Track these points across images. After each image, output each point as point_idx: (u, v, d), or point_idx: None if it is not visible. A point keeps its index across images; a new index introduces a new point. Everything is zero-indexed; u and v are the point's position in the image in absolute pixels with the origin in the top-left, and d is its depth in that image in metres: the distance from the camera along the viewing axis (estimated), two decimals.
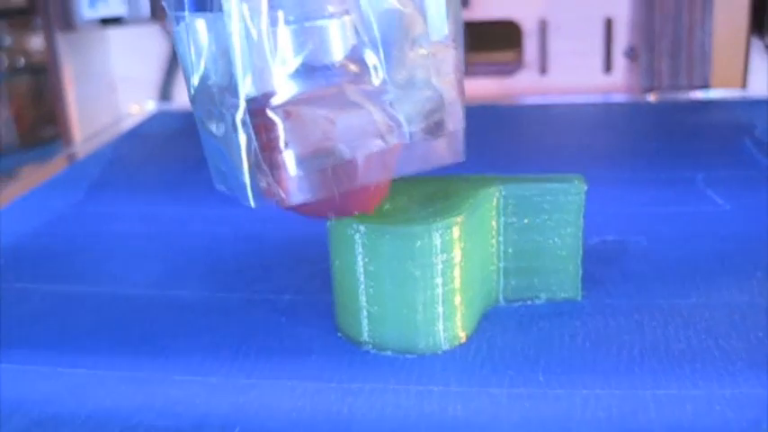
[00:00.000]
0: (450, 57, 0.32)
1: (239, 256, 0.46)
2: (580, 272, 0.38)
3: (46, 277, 0.44)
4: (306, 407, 0.32)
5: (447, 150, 0.33)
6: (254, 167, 0.29)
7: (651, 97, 0.75)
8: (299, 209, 0.31)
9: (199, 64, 0.30)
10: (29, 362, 0.36)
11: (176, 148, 0.69)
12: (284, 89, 0.29)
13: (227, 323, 0.38)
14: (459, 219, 0.34)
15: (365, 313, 0.35)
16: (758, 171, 0.55)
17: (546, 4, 0.78)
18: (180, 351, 0.36)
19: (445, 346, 0.35)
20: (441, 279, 0.34)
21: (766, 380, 0.32)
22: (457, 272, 0.34)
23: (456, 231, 0.34)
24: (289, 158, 0.29)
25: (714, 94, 0.75)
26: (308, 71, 0.29)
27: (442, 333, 0.35)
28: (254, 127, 0.29)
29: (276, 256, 0.46)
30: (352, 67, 0.29)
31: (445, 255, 0.34)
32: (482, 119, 0.73)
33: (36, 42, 1.05)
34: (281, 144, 0.29)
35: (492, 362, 0.34)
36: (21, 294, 0.42)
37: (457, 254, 0.34)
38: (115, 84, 0.85)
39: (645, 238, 0.45)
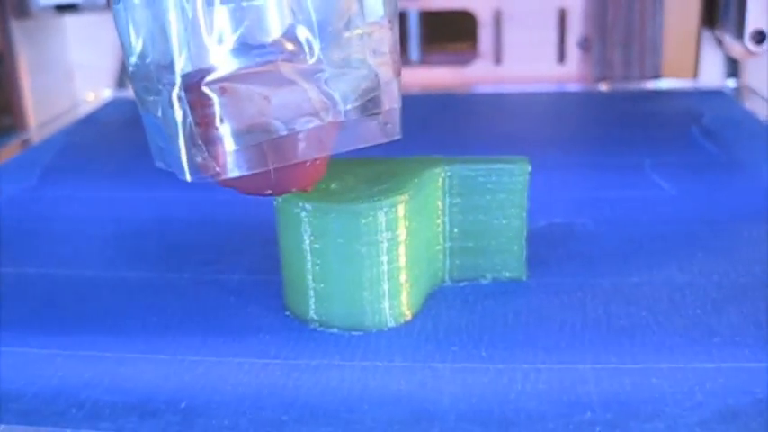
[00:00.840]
0: (387, 37, 0.32)
1: (191, 238, 0.46)
2: (525, 252, 0.39)
3: None
4: (251, 382, 0.32)
5: (383, 129, 0.33)
6: (190, 143, 0.30)
7: (603, 87, 0.76)
8: (236, 185, 0.32)
9: (137, 42, 0.30)
10: None
11: (131, 134, 0.68)
12: (220, 66, 0.29)
13: (177, 303, 0.39)
14: (403, 198, 0.34)
15: (312, 291, 0.35)
16: (704, 158, 0.56)
17: None
18: (128, 330, 0.36)
19: (391, 324, 0.35)
20: (386, 257, 0.34)
21: (703, 354, 0.33)
22: (402, 250, 0.35)
23: (401, 210, 0.34)
24: (224, 134, 0.30)
25: (665, 84, 0.77)
26: (243, 49, 0.29)
27: (387, 310, 0.35)
28: (189, 103, 0.29)
29: (228, 238, 0.46)
30: (288, 46, 0.30)
31: (390, 233, 0.34)
32: (436, 107, 0.73)
33: None
34: (217, 120, 0.29)
35: (436, 338, 0.35)
36: None
37: (402, 232, 0.34)
38: (72, 72, 0.84)
39: (591, 221, 0.46)
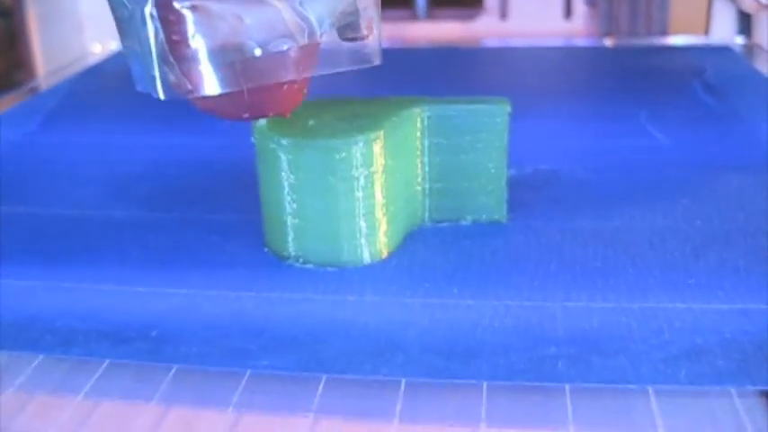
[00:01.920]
0: None
1: (181, 180, 0.47)
2: (505, 194, 0.39)
3: None
4: (223, 314, 0.32)
5: (362, 53, 0.33)
6: (162, 60, 0.30)
7: (608, 42, 0.76)
8: (212, 107, 0.32)
9: None
10: None
11: (133, 84, 0.69)
12: None
13: (160, 240, 0.39)
14: (379, 134, 0.34)
15: (289, 227, 0.35)
16: (702, 111, 0.56)
17: None
18: (109, 263, 0.37)
19: (367, 260, 0.36)
20: (361, 193, 0.34)
21: (675, 294, 0.33)
22: (378, 186, 0.35)
23: (376, 146, 0.34)
24: (197, 51, 0.29)
25: (673, 40, 0.76)
26: None
27: (364, 247, 0.35)
28: (161, 19, 0.29)
29: (217, 181, 0.46)
30: None
31: (365, 169, 0.34)
32: (439, 60, 0.73)
33: None
34: (189, 37, 0.29)
35: (410, 275, 0.35)
36: None
37: (378, 168, 0.34)
38: (82, 23, 0.84)
39: (580, 169, 0.46)
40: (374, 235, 0.35)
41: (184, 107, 0.57)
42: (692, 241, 0.37)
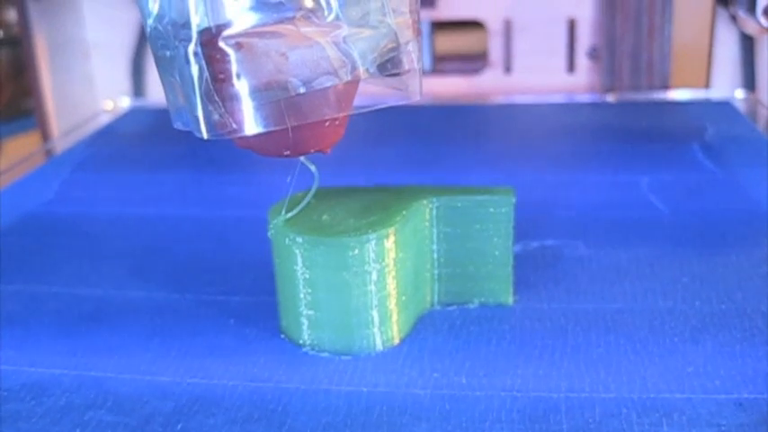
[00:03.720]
0: None
1: (198, 256, 0.48)
2: (511, 278, 0.40)
3: (10, 277, 0.46)
4: (244, 405, 0.34)
5: (403, 89, 0.33)
6: (207, 99, 0.30)
7: (611, 98, 0.77)
8: (253, 145, 0.32)
9: (154, 4, 0.31)
10: None
11: (145, 148, 0.71)
12: (237, 21, 0.29)
13: (178, 324, 0.40)
14: (391, 230, 0.36)
15: (304, 317, 0.37)
16: (702, 176, 0.57)
17: (511, 4, 0.80)
18: (130, 352, 0.38)
19: (379, 348, 0.37)
20: (375, 287, 0.36)
21: (673, 383, 0.34)
22: (390, 279, 0.36)
23: (389, 242, 0.36)
24: (241, 90, 0.30)
25: (675, 94, 0.77)
26: (261, 5, 0.29)
27: (376, 336, 0.37)
28: (206, 58, 0.29)
29: (232, 256, 0.48)
30: (306, 3, 0.30)
31: (379, 264, 0.36)
32: (445, 118, 0.75)
33: (14, 15, 1.05)
34: (234, 75, 0.29)
35: (420, 364, 0.36)
36: None
37: (390, 263, 0.36)
38: (89, 51, 0.86)
39: (583, 244, 0.47)
40: (386, 324, 0.37)
41: (197, 177, 0.59)
42: (691, 324, 0.39)
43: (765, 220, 0.49)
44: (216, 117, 0.30)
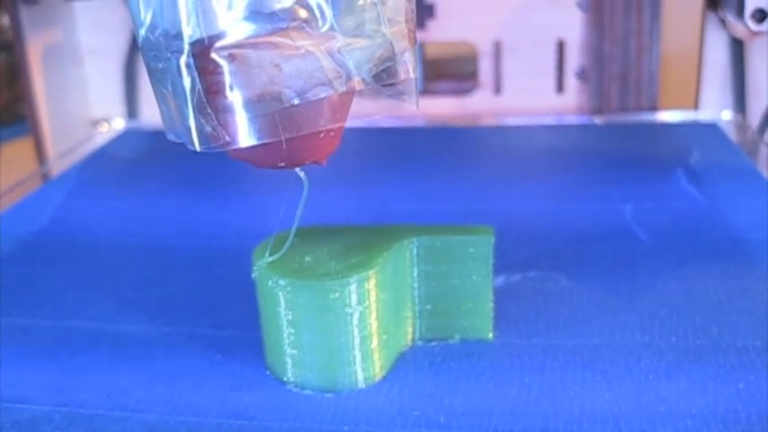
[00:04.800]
0: (401, 5, 0.32)
1: (189, 286, 0.49)
2: (491, 314, 0.41)
3: (4, 309, 0.47)
4: None
5: (399, 99, 0.33)
6: (199, 112, 0.30)
7: (598, 120, 0.78)
8: (247, 156, 0.32)
9: (147, 14, 0.30)
10: None
11: (140, 173, 0.72)
12: (230, 33, 0.29)
13: (168, 360, 0.41)
14: (372, 273, 0.37)
15: (288, 356, 0.38)
16: (684, 204, 0.58)
17: (501, 26, 0.81)
18: (121, 389, 0.39)
19: (362, 385, 0.38)
20: (357, 328, 0.37)
21: (646, 424, 0.35)
22: (372, 320, 0.37)
23: (370, 284, 0.37)
24: (234, 102, 0.29)
25: (663, 116, 0.78)
26: (254, 16, 0.29)
27: (358, 373, 0.38)
28: (198, 70, 0.29)
29: (223, 288, 0.49)
30: (300, 13, 0.30)
31: (360, 306, 0.37)
32: (434, 140, 0.76)
33: (7, 20, 1.05)
34: (227, 87, 0.29)
35: (401, 402, 0.37)
36: None
37: (372, 304, 0.37)
38: (82, 56, 0.87)
39: (564, 275, 0.48)
40: (368, 362, 0.38)
41: (191, 204, 0.60)
42: (666, 361, 0.40)
43: (744, 251, 0.50)
44: (208, 129, 0.30)
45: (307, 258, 0.38)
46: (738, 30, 0.70)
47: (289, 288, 0.36)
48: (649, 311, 0.44)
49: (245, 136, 0.30)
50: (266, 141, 0.30)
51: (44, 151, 0.83)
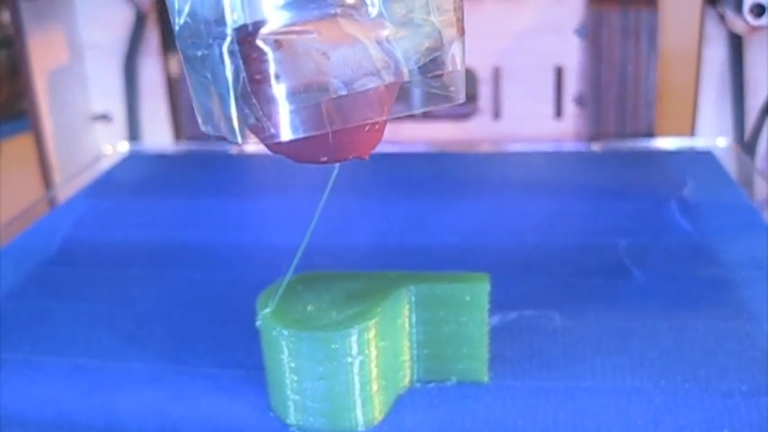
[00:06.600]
0: None
1: (195, 322, 0.51)
2: (486, 357, 0.43)
3: (12, 345, 0.49)
4: None
5: (445, 91, 0.32)
6: (242, 101, 0.28)
7: (596, 147, 0.80)
8: (288, 150, 0.30)
9: (186, 3, 0.29)
10: None
11: (145, 200, 0.73)
12: (275, 18, 0.27)
13: (173, 401, 0.43)
14: (372, 323, 0.38)
15: (290, 401, 0.39)
16: (677, 239, 0.60)
17: (500, 52, 0.82)
18: (123, 427, 0.41)
19: (362, 428, 0.40)
20: (357, 375, 0.39)
21: None
22: (372, 367, 0.39)
23: (370, 334, 0.38)
24: (279, 92, 0.28)
25: (659, 143, 0.80)
26: (301, 0, 0.28)
27: (359, 417, 0.40)
28: (242, 57, 0.28)
29: (228, 324, 0.50)
30: None
31: (361, 355, 0.38)
32: (433, 167, 0.77)
33: (8, 15, 1.06)
34: (272, 76, 0.28)
35: None
36: None
37: (372, 352, 0.39)
38: (83, 51, 0.87)
39: (558, 314, 0.50)
40: (368, 406, 0.40)
41: (197, 234, 0.61)
42: (654, 405, 0.41)
43: (734, 291, 0.52)
44: (252, 120, 0.29)
45: (309, 307, 0.39)
46: (737, 25, 0.70)
47: (292, 338, 0.38)
48: (639, 353, 0.45)
49: (289, 128, 0.28)
50: (311, 134, 0.29)
51: (44, 147, 0.83)
